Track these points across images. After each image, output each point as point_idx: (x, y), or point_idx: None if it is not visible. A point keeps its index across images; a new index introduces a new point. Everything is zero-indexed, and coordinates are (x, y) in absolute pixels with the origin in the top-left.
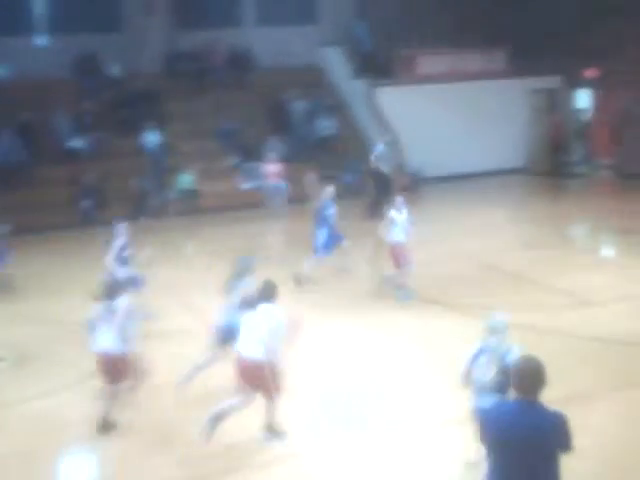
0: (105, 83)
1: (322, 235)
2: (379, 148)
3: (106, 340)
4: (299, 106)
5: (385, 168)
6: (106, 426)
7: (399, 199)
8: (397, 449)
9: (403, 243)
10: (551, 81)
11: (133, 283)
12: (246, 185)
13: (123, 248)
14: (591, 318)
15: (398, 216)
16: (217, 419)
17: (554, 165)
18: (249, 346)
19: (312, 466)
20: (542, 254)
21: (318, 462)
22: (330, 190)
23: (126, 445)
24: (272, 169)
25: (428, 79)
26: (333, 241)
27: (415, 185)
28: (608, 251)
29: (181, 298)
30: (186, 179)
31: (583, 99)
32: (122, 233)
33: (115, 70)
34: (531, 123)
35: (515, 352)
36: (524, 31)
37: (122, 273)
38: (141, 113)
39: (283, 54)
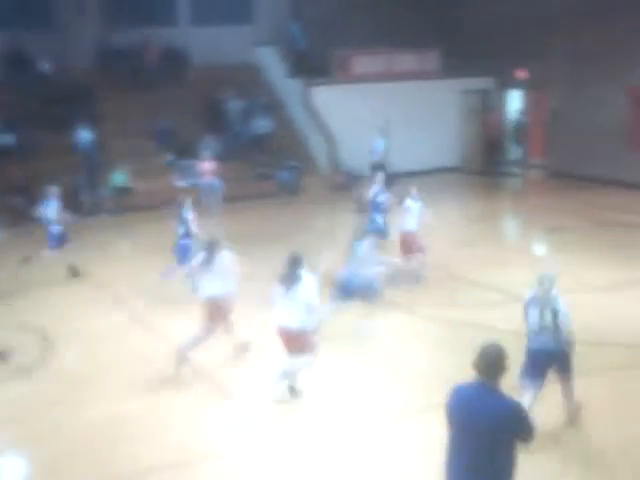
0: (36, 80)
1: (378, 220)
2: (378, 142)
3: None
4: (234, 105)
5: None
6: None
7: (414, 189)
8: (341, 445)
9: (415, 231)
10: (483, 82)
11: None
12: (181, 183)
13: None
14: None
15: (413, 205)
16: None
17: (487, 164)
18: (289, 315)
19: (241, 465)
20: (475, 252)
21: (247, 461)
22: (380, 177)
23: None
24: (207, 167)
25: (363, 79)
26: (387, 227)
27: (350, 183)
28: (539, 248)
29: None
30: (119, 177)
31: (515, 100)
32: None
33: (46, 67)
34: (465, 123)
35: (562, 300)
36: (457, 32)
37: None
38: (73, 111)
39: (218, 53)
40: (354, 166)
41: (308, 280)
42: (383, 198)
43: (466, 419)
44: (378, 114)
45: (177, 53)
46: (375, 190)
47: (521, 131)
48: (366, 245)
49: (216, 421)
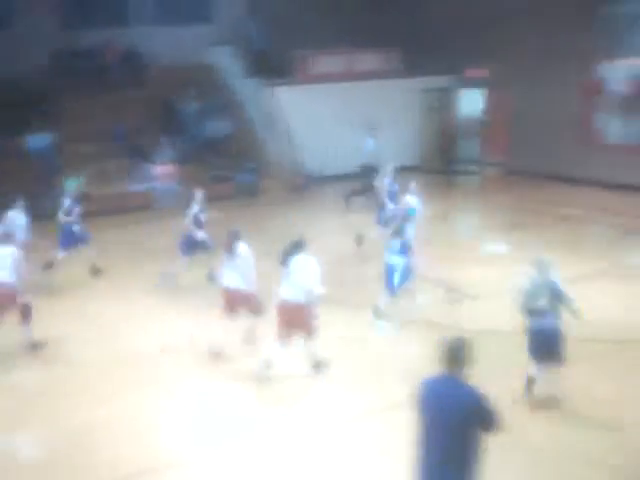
0: None
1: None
2: (368, 142)
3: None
4: (190, 107)
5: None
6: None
7: (413, 184)
8: (293, 450)
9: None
10: (443, 80)
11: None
12: (137, 187)
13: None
14: (480, 311)
15: (413, 200)
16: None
17: (445, 163)
18: (291, 290)
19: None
20: (433, 250)
21: (206, 470)
22: (390, 168)
23: None
24: (163, 170)
25: (323, 79)
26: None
27: (311, 184)
28: (496, 246)
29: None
30: (72, 184)
31: (474, 98)
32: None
33: None
34: (424, 122)
35: (559, 283)
36: (418, 31)
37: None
38: (29, 113)
39: (178, 53)
40: (314, 167)
41: (308, 262)
42: (396, 187)
43: (435, 410)
44: (338, 114)
45: (135, 54)
46: (388, 181)
47: (480, 129)
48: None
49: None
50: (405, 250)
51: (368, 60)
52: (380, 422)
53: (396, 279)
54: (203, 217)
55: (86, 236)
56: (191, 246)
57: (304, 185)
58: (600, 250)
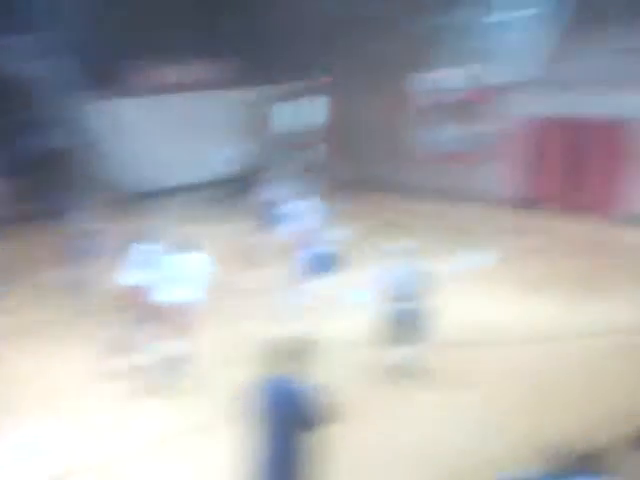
0: None
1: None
2: (227, 152)
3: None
4: (17, 119)
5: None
6: None
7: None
8: None
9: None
10: (278, 89)
11: None
12: None
13: None
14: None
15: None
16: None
17: None
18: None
19: None
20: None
21: None
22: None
23: None
24: None
25: (157, 90)
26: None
27: (139, 198)
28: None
29: None
30: None
31: (309, 107)
32: None
33: None
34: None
35: (420, 268)
36: (252, 41)
37: None
38: None
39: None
40: (145, 180)
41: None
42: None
43: (270, 407)
44: (169, 127)
45: None
46: (270, 189)
47: (317, 139)
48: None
49: None
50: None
51: (203, 71)
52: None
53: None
54: None
55: None
56: None
57: (136, 199)
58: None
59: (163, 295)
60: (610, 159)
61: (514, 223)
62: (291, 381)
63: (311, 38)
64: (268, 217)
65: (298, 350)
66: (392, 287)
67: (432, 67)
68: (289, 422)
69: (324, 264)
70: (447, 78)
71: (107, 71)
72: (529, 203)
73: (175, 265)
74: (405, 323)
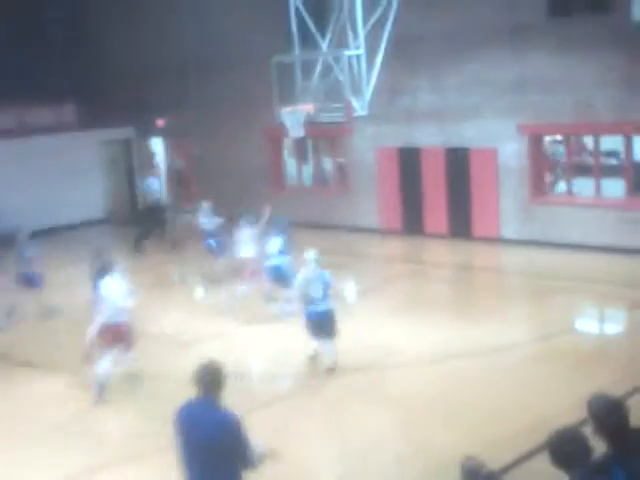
0: None
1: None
2: (149, 182)
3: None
4: None
5: (154, 201)
6: None
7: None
8: None
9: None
10: (124, 132)
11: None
12: None
13: None
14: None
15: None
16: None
17: (135, 214)
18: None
19: None
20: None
21: None
22: (205, 205)
23: None
24: None
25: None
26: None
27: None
28: (202, 292)
29: None
30: None
31: (157, 148)
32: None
33: None
34: (108, 174)
35: (327, 274)
36: (94, 83)
37: None
38: None
39: None
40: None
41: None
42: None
43: (190, 432)
44: (15, 172)
45: None
46: (204, 219)
47: (176, 178)
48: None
49: None
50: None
51: (41, 114)
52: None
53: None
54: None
55: None
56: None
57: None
58: None
59: None
60: (464, 185)
61: (384, 250)
62: (218, 404)
63: (151, 80)
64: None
65: (221, 372)
66: (306, 289)
67: (290, 102)
68: (220, 444)
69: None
70: (311, 112)
71: None
72: (395, 231)
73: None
74: (317, 321)
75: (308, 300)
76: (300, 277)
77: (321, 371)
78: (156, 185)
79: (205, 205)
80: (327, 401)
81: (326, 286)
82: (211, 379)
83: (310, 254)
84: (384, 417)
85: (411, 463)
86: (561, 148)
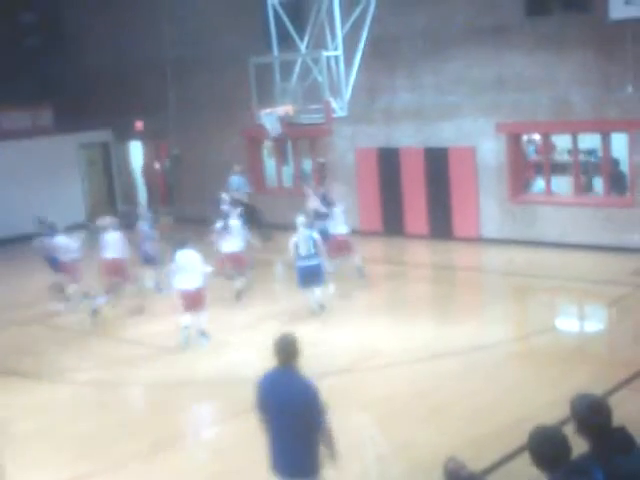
0: None
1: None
2: (234, 180)
3: None
4: None
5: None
6: None
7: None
8: None
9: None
10: (102, 135)
11: None
12: None
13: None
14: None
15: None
16: None
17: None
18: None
19: None
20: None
21: None
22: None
23: None
24: None
25: None
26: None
27: None
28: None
29: None
30: None
31: (138, 150)
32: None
33: None
34: (87, 176)
35: (315, 234)
36: (70, 87)
37: None
38: None
39: None
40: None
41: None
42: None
43: (273, 398)
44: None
45: None
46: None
47: (151, 180)
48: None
49: None
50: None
51: (16, 118)
52: None
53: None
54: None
55: None
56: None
57: None
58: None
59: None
60: (443, 185)
61: (364, 251)
62: (297, 372)
63: (126, 82)
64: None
65: (297, 343)
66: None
67: (269, 103)
68: (303, 407)
69: None
70: (289, 113)
71: None
72: (375, 232)
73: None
74: (308, 274)
75: (299, 257)
76: (293, 239)
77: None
78: (240, 182)
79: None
80: None
81: (314, 244)
82: (290, 349)
83: (300, 219)
84: (365, 418)
85: (393, 463)
86: (532, 147)
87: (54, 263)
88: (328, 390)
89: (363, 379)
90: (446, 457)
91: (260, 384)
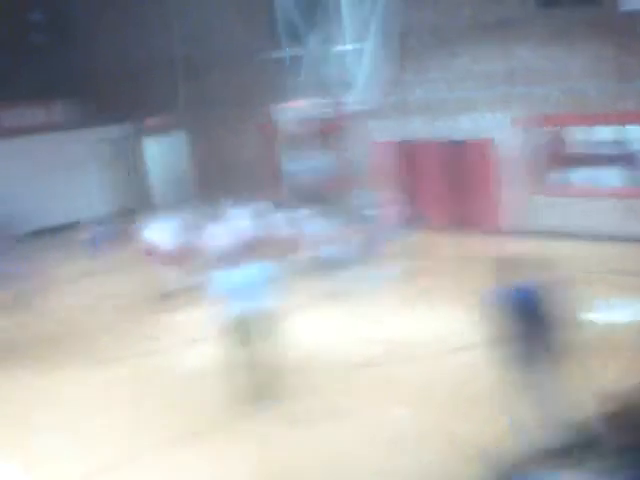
0: None
1: None
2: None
3: None
4: None
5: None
6: None
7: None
8: None
9: None
10: (121, 129)
11: None
12: None
13: None
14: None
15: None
16: None
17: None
18: None
19: None
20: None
21: None
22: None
23: None
24: None
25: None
26: None
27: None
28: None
29: None
30: None
31: (156, 146)
32: None
33: None
34: (111, 171)
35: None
36: (89, 82)
37: None
38: None
39: None
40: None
41: None
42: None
43: (521, 306)
44: (11, 173)
45: None
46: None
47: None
48: None
49: None
50: None
51: (34, 114)
52: None
53: None
54: None
55: None
56: None
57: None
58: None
59: None
60: (475, 176)
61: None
62: (532, 285)
63: (145, 77)
64: None
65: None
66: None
67: (288, 98)
68: (535, 320)
69: None
70: (304, 108)
71: None
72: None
73: None
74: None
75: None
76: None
77: None
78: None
79: None
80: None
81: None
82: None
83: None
84: (405, 408)
85: (436, 454)
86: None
87: None
88: (368, 380)
89: (400, 370)
90: (489, 453)
91: (507, 296)
